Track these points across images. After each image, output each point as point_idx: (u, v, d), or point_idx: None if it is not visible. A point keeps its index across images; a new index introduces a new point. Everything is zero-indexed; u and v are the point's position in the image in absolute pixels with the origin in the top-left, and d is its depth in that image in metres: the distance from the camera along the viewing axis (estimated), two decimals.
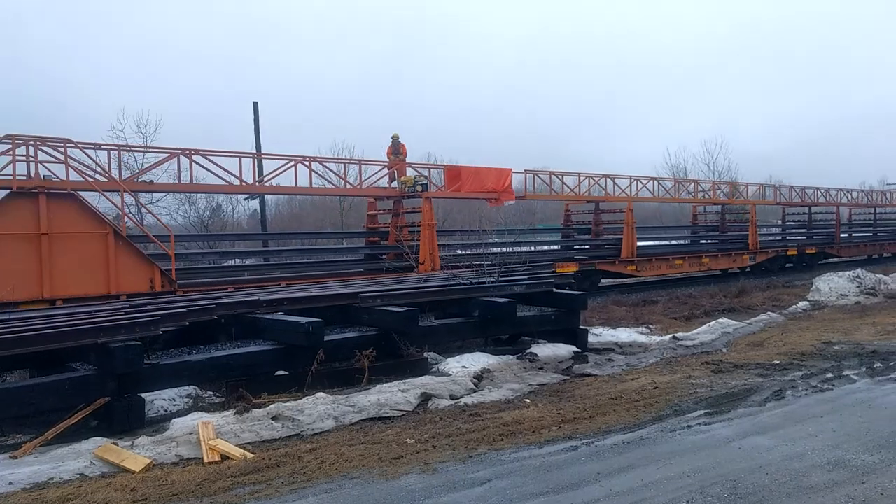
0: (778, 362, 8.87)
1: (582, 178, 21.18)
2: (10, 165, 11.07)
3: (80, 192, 11.72)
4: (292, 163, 15.17)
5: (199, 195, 30.56)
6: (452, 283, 10.90)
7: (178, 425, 6.39)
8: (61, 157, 11.70)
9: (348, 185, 17.37)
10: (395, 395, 7.31)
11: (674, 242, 27.14)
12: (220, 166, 14.09)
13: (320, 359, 7.90)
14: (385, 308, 9.11)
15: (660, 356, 10.03)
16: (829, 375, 8.13)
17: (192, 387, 8.06)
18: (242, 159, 14.73)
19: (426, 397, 7.41)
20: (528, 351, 9.82)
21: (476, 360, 9.06)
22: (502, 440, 5.84)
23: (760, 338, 11.39)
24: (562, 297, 10.95)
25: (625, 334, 11.68)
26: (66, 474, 5.24)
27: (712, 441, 5.70)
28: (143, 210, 32.82)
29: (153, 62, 74.99)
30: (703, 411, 6.63)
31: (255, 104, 26.51)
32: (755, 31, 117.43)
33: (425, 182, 16.96)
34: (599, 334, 11.46)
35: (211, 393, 8.13)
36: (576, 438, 5.85)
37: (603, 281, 20.98)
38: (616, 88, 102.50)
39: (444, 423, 6.48)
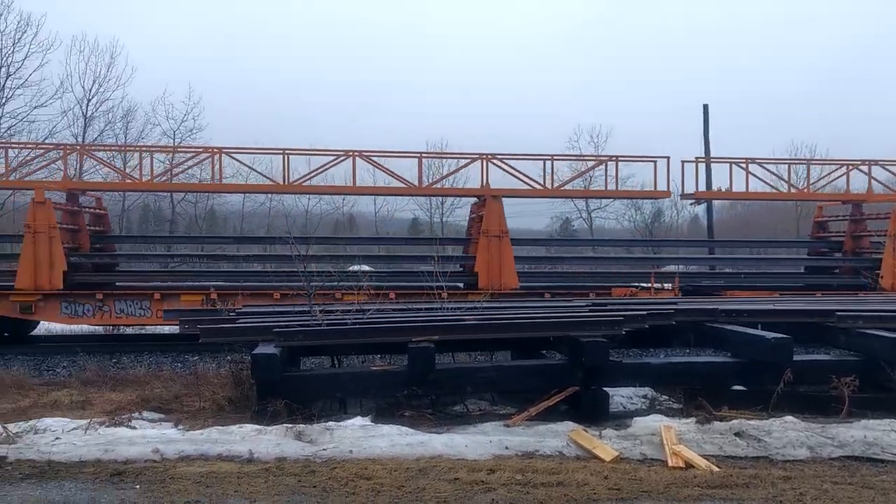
0: None
1: None
2: None
3: None
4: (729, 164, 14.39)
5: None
6: None
7: (640, 424, 6.59)
8: None
9: (792, 189, 15.54)
10: (886, 434, 6.17)
11: None
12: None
13: (787, 379, 7.20)
14: (870, 331, 7.79)
15: None
16: None
17: (647, 388, 8.27)
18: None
19: None
20: None
21: None
22: None
23: None
24: None
25: None
26: (547, 449, 5.92)
27: None
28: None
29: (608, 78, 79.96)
30: None
31: (705, 107, 25.91)
32: None
33: None
34: None
35: (666, 397, 8.19)
36: None
37: None
38: None
39: None
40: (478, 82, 79.27)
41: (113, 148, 15.78)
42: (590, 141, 35.56)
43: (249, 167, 14.94)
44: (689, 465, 5.52)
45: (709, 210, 25.60)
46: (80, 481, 5.11)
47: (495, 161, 13.91)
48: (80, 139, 27.97)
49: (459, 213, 37.38)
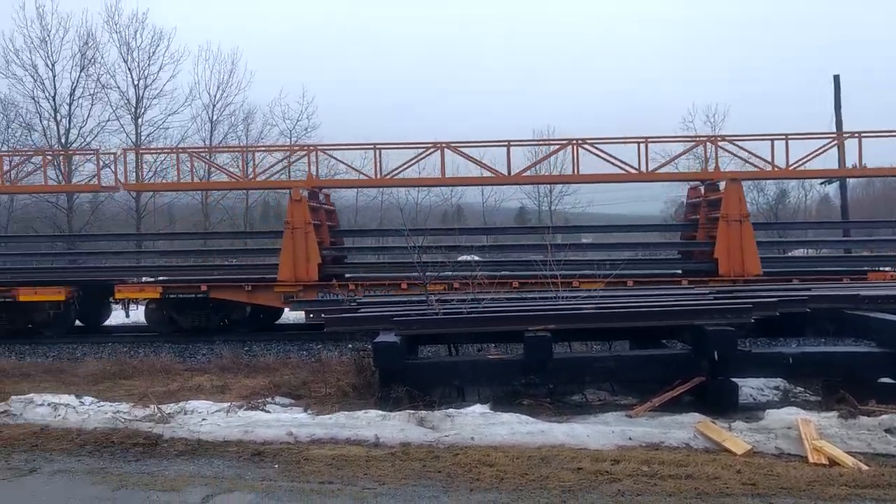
0: None
1: None
2: None
3: None
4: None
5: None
6: None
7: (773, 417, 6.23)
8: None
9: None
10: None
11: None
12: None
13: None
14: None
15: None
16: None
17: (779, 379, 7.80)
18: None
19: None
20: None
21: None
22: None
23: None
24: None
25: None
26: (673, 441, 5.73)
27: None
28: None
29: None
30: None
31: (836, 77, 23.94)
32: None
33: None
34: None
35: (800, 389, 7.71)
36: None
37: None
38: None
39: None
40: (577, 79, 76.88)
41: (351, 146, 15.73)
42: (706, 121, 33.75)
43: (475, 160, 14.18)
44: (832, 463, 5.17)
45: (842, 188, 23.67)
46: (227, 459, 5.52)
47: (721, 144, 13.41)
48: (206, 142, 29.94)
49: (568, 201, 36.75)
